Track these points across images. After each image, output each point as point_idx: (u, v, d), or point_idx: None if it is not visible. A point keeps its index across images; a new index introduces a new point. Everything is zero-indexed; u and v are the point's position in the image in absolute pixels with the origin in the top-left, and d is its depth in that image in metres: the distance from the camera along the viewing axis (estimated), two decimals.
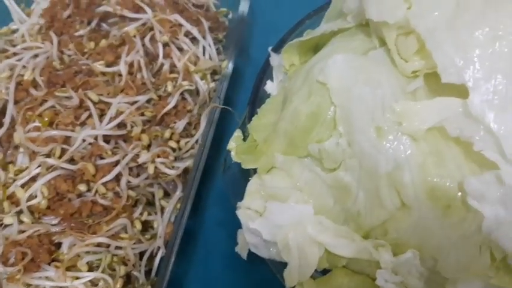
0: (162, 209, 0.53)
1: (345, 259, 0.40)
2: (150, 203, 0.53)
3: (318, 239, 0.39)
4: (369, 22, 0.42)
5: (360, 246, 0.39)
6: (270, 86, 0.51)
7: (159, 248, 0.51)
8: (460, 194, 0.34)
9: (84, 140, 0.50)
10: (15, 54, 0.58)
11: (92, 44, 0.59)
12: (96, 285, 0.46)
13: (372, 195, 0.38)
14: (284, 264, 0.41)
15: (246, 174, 0.46)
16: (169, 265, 0.46)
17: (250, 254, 0.50)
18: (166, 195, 0.54)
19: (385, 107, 0.36)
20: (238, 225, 0.56)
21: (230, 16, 0.66)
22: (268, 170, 0.43)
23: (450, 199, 0.34)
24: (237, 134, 0.46)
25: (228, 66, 0.56)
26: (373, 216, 0.38)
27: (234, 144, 0.45)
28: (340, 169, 0.39)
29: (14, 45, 0.59)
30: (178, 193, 0.53)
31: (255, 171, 0.44)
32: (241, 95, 0.63)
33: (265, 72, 0.51)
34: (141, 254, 0.50)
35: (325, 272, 0.42)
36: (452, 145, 0.35)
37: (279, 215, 0.40)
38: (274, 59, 0.50)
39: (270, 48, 0.51)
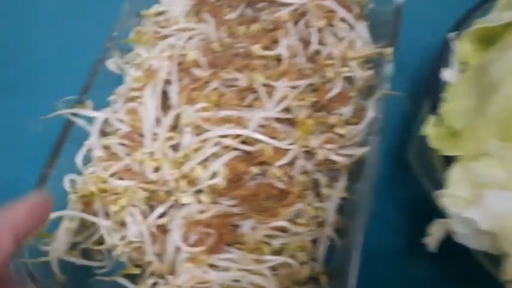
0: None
1: None
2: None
3: None
4: None
5: None
6: (448, 74, 0.49)
7: (327, 236, 0.49)
8: None
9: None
10: (165, 36, 0.57)
11: (242, 28, 0.57)
12: (274, 270, 0.45)
13: None
14: (496, 257, 0.39)
15: (430, 162, 0.44)
16: (357, 260, 0.43)
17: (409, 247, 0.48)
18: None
19: None
20: (395, 216, 0.55)
21: (371, 6, 0.64)
22: (475, 157, 0.41)
23: None
24: (431, 119, 0.44)
25: (391, 54, 0.54)
26: None
27: (430, 130, 0.43)
28: None
29: (162, 27, 0.58)
30: (342, 181, 0.51)
31: (446, 159, 0.43)
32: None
33: (443, 59, 0.49)
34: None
35: None
36: None
37: (499, 203, 0.38)
38: (456, 46, 0.49)
39: (450, 35, 0.49)
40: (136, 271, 0.48)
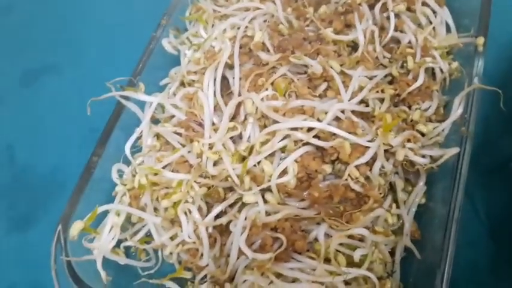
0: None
1: None
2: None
3: None
4: None
5: None
6: None
7: (403, 247, 0.43)
8: None
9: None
10: (224, 16, 0.52)
11: (311, 10, 0.52)
12: (349, 284, 0.39)
13: None
14: None
15: None
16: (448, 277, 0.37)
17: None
18: None
19: None
20: (476, 230, 0.48)
21: None
22: None
23: None
24: None
25: (483, 44, 0.47)
26: None
27: None
28: None
29: (220, 6, 0.53)
30: (421, 185, 0.45)
31: None
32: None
33: None
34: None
35: None
36: None
37: None
38: None
39: None
40: (188, 275, 0.43)
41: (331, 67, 0.45)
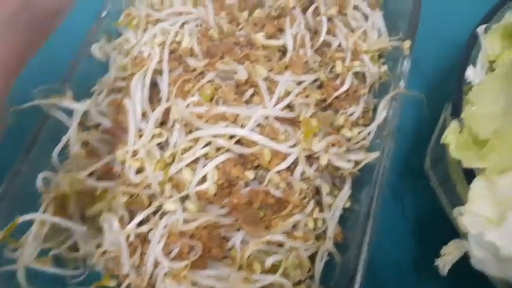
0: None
1: None
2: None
3: None
4: None
5: None
6: (472, 73, 0.43)
7: (326, 251, 0.43)
8: None
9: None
10: (158, 20, 0.52)
11: (245, 14, 0.52)
12: None
13: None
14: None
15: (458, 174, 0.39)
16: (360, 280, 0.38)
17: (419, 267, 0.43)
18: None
19: None
20: (402, 231, 0.49)
21: None
22: (502, 171, 0.35)
23: None
24: (454, 125, 0.38)
25: (410, 48, 0.48)
26: None
27: (452, 137, 0.37)
28: None
29: (156, 10, 0.53)
30: (347, 189, 0.45)
31: (467, 171, 0.37)
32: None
33: (469, 57, 0.43)
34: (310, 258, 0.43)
35: None
36: None
37: None
38: (484, 42, 0.43)
39: (481, 28, 0.43)
40: (112, 283, 0.43)
41: (257, 73, 0.45)
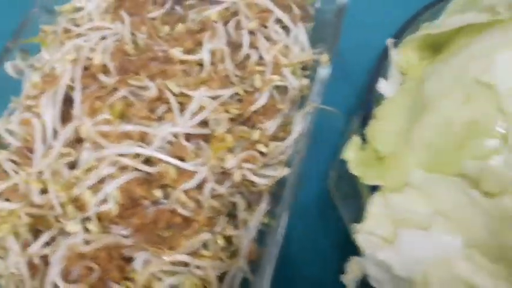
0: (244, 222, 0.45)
1: None
2: (228, 215, 0.46)
3: (469, 279, 0.31)
4: None
5: None
6: (384, 86, 0.43)
7: (239, 269, 0.43)
8: None
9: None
10: (78, 35, 0.51)
11: (166, 28, 0.51)
12: None
13: None
14: None
15: (355, 189, 0.38)
16: None
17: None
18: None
19: None
20: (323, 245, 0.49)
21: (317, 5, 0.58)
22: (398, 188, 0.35)
23: None
24: (355, 141, 0.38)
25: (328, 62, 0.47)
26: None
27: (352, 154, 0.37)
28: (506, 195, 0.31)
29: (78, 25, 0.52)
30: (264, 205, 0.45)
31: (372, 187, 0.36)
32: (327, 95, 0.55)
33: (380, 70, 0.43)
34: (220, 276, 0.42)
35: None
36: None
37: (418, 246, 0.32)
38: (395, 55, 0.42)
39: (389, 41, 0.43)
40: None
41: (169, 89, 0.44)
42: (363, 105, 0.41)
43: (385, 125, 0.38)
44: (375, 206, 0.35)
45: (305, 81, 0.49)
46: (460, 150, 0.32)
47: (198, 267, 0.40)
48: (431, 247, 0.32)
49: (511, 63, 0.31)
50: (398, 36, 0.45)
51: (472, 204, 0.32)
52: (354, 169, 0.37)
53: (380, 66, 0.42)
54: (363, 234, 0.35)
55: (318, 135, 0.45)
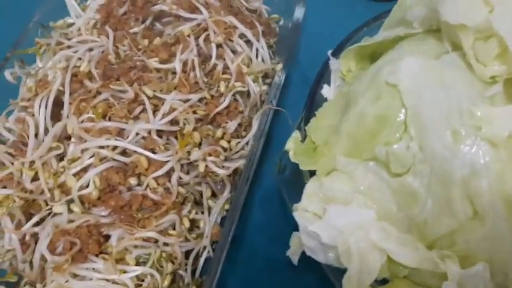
0: (209, 209, 0.52)
1: (407, 269, 0.38)
2: (197, 203, 0.53)
3: (380, 245, 0.38)
4: (440, 27, 0.41)
5: (425, 256, 0.37)
6: (326, 90, 0.50)
7: (204, 248, 0.50)
8: None
9: (137, 134, 0.49)
10: (69, 47, 0.58)
11: (145, 42, 0.59)
12: (142, 280, 0.45)
13: (442, 203, 0.36)
14: (341, 271, 0.40)
15: (301, 176, 0.45)
16: (219, 268, 0.44)
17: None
18: (213, 195, 0.53)
19: (462, 110, 0.35)
20: (281, 228, 0.55)
21: (281, 23, 0.66)
22: (328, 172, 0.42)
23: None
24: (295, 135, 0.45)
25: (282, 70, 0.55)
26: (442, 226, 0.37)
27: (292, 145, 0.44)
28: (408, 174, 0.38)
29: (69, 39, 0.60)
30: (226, 194, 0.52)
31: (311, 173, 0.43)
32: (289, 99, 0.63)
33: (323, 76, 0.50)
34: (187, 253, 0.49)
35: (384, 282, 0.40)
36: None
37: (340, 218, 0.39)
38: (334, 64, 0.50)
39: (329, 52, 0.50)
40: (14, 279, 0.48)
41: (144, 92, 0.52)
42: (305, 107, 0.48)
43: (322, 122, 0.46)
44: (310, 188, 0.42)
45: (264, 87, 0.56)
46: (373, 138, 0.39)
47: (166, 244, 0.47)
48: (351, 219, 0.39)
49: (412, 67, 0.38)
50: (341, 48, 0.52)
51: (383, 183, 0.39)
52: (293, 157, 0.44)
53: (323, 73, 0.50)
54: (299, 211, 0.42)
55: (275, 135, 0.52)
